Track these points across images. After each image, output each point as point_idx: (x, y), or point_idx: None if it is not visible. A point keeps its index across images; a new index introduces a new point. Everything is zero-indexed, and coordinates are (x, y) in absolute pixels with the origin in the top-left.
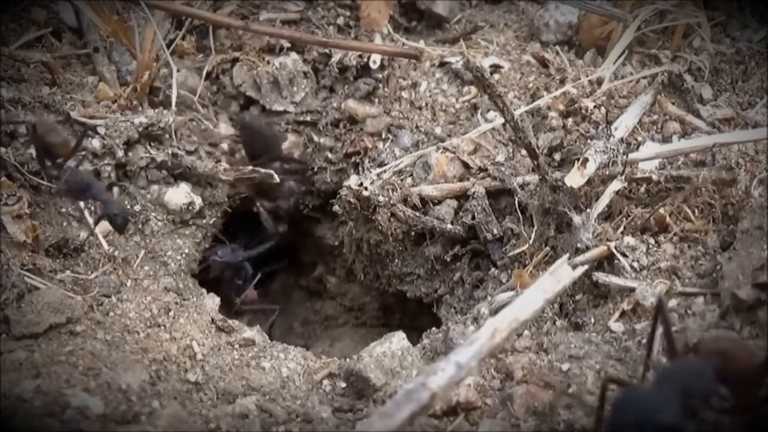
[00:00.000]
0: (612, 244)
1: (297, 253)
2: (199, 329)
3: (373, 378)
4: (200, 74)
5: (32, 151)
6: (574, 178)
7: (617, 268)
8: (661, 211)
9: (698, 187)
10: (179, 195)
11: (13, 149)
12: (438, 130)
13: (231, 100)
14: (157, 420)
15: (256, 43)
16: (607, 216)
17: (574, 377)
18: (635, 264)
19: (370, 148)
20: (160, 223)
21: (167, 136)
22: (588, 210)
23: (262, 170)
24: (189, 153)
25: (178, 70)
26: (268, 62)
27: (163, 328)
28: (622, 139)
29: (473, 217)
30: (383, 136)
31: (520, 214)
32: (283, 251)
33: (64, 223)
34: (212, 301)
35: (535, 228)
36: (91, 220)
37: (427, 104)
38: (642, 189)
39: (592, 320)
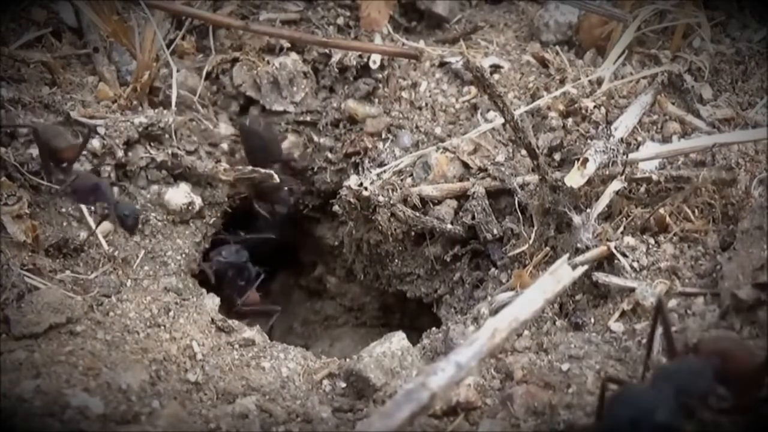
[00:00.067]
0: (612, 244)
1: (297, 253)
2: (199, 329)
3: (373, 378)
4: (200, 74)
5: (32, 151)
6: (574, 178)
7: (617, 268)
8: (661, 211)
9: (698, 187)
10: (179, 195)
11: (13, 149)
12: (438, 130)
13: (231, 100)
14: (157, 420)
15: (256, 43)
16: (607, 216)
17: (574, 377)
18: (635, 264)
19: (370, 148)
20: (160, 224)
21: (167, 136)
22: (588, 210)
23: (262, 170)
24: (189, 153)
25: (178, 70)
26: (268, 62)
27: (163, 328)
28: (622, 139)
29: (473, 217)
30: (383, 136)
31: (520, 214)
32: (280, 245)
33: (64, 223)
34: (212, 301)
35: (535, 228)
36: (91, 220)
37: (427, 104)
38: (642, 189)
39: (592, 320)
